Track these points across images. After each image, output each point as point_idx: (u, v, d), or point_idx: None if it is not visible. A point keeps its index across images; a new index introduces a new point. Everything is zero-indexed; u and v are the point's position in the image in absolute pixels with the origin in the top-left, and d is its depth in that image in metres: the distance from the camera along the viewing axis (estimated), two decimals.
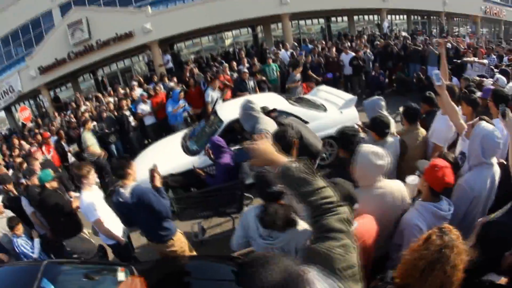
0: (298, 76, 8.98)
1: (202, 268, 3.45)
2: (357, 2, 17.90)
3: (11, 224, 4.35)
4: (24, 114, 12.19)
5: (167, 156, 5.98)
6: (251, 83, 8.80)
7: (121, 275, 3.10)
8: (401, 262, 1.72)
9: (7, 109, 19.02)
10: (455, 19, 24.36)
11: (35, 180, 4.85)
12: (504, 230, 2.03)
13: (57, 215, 4.26)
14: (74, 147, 7.93)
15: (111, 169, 3.79)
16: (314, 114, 6.23)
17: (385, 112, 3.83)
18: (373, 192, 2.47)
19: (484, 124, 2.64)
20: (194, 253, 3.96)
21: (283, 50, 12.11)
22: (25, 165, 6.08)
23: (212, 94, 8.22)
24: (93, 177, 3.85)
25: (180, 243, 3.64)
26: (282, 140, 2.81)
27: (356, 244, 1.31)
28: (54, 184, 4.45)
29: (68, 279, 3.10)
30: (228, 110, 6.24)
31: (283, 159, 1.48)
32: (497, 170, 2.66)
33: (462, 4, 22.19)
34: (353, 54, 10.51)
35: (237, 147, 5.30)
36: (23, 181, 5.54)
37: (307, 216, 1.42)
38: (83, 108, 9.96)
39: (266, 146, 1.54)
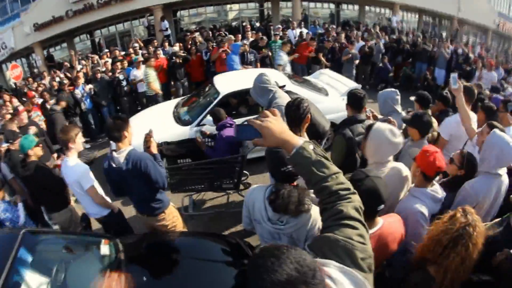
0: (285, 56, 8.53)
1: (192, 245, 3.26)
2: None
3: None
4: (15, 72, 11.64)
5: (160, 124, 5.67)
6: (251, 57, 8.49)
7: (104, 248, 2.89)
8: (426, 238, 1.86)
9: None
10: (466, 26, 23.93)
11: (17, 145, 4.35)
12: None
13: (44, 191, 3.86)
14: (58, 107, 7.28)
15: (106, 130, 3.25)
16: (315, 96, 5.87)
17: (399, 108, 3.86)
18: (384, 171, 2.47)
19: (500, 133, 2.63)
20: (185, 229, 3.76)
21: (289, 30, 11.71)
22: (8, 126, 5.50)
23: (284, 57, 8.25)
24: (80, 141, 3.54)
25: (172, 217, 3.44)
26: (296, 112, 2.65)
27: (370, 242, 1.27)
28: (39, 151, 4.00)
29: (47, 250, 2.90)
30: (226, 82, 5.99)
31: (297, 139, 1.35)
32: (505, 180, 2.67)
33: (476, 13, 22.00)
34: (363, 43, 10.33)
35: (241, 120, 4.98)
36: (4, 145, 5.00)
37: (319, 202, 1.35)
38: (78, 67, 9.55)
39: (278, 123, 1.33)
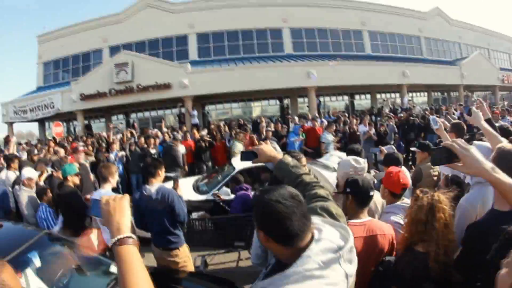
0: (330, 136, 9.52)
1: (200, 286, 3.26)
2: (379, 78, 18.98)
3: (41, 192, 4.63)
4: (57, 129, 12.98)
5: (182, 189, 6.33)
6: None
7: (114, 268, 2.85)
8: (406, 225, 2.03)
9: (41, 122, 20.47)
10: (474, 93, 25.17)
11: (60, 173, 4.93)
12: None
13: (71, 212, 4.02)
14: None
15: (143, 167, 3.84)
16: (324, 172, 6.67)
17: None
18: None
19: (478, 142, 2.77)
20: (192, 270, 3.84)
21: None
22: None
23: (328, 137, 9.36)
24: (116, 178, 3.89)
25: (185, 255, 3.64)
26: None
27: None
28: (76, 180, 4.48)
29: (58, 256, 3.00)
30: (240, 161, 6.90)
31: (280, 155, 1.99)
32: None
33: (480, 75, 23.11)
34: (367, 126, 10.79)
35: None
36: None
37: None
38: (113, 137, 10.66)
39: (268, 147, 2.03)
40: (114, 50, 19.28)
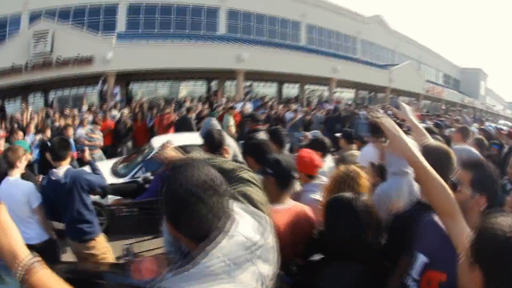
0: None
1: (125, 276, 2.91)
2: (309, 69, 19.35)
3: None
4: None
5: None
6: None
7: None
8: (326, 189, 2.18)
9: None
10: (400, 97, 26.65)
11: None
12: None
13: None
14: None
15: (51, 148, 3.38)
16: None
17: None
18: None
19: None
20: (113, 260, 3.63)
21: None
22: None
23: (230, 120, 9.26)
24: (24, 163, 3.44)
25: (102, 247, 3.44)
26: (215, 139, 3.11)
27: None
28: (29, 156, 4.16)
29: None
30: (161, 141, 6.70)
31: (184, 156, 1.87)
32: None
33: (407, 82, 25.11)
34: (294, 113, 11.20)
35: None
36: None
37: None
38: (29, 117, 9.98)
39: (170, 151, 1.92)
40: (34, 17, 16.98)
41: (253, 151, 2.79)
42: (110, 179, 5.65)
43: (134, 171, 5.96)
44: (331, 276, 1.55)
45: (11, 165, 3.27)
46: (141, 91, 19.61)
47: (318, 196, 2.44)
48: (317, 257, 1.79)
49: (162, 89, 19.97)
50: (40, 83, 15.94)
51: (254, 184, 1.44)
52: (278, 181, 2.09)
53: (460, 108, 29.20)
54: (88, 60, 15.16)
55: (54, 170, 3.27)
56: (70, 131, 7.81)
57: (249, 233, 1.08)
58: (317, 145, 3.59)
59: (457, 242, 1.31)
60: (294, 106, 12.85)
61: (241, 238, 1.04)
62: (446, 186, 1.42)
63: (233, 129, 9.15)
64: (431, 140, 2.49)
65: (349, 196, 1.68)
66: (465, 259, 1.02)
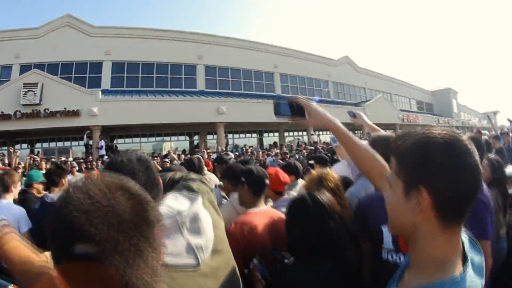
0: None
1: None
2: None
3: None
4: None
5: None
6: None
7: None
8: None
9: None
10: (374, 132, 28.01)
11: None
12: None
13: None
14: None
15: (47, 173, 3.47)
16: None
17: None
18: None
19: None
20: None
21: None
22: None
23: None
24: (19, 188, 3.51)
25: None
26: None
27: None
28: (41, 187, 4.01)
29: None
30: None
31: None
32: None
33: (381, 115, 25.62)
34: (274, 157, 11.53)
35: None
36: None
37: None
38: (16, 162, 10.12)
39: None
40: (25, 68, 17.34)
41: (225, 173, 3.11)
42: None
43: None
44: (302, 274, 1.51)
45: (6, 189, 3.29)
46: (125, 147, 19.60)
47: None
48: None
49: (146, 145, 20.22)
50: (27, 132, 16.01)
51: (198, 181, 1.41)
52: (251, 187, 2.17)
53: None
54: (75, 113, 15.43)
55: (49, 194, 3.35)
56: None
57: (174, 204, 1.08)
58: (290, 169, 3.70)
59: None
60: (275, 151, 13.37)
61: (164, 208, 1.04)
62: (371, 149, 1.38)
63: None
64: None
65: (304, 195, 1.70)
66: (396, 189, 0.85)
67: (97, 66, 19.21)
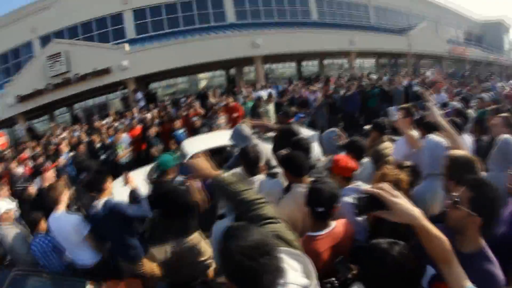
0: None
1: None
2: (327, 45, 18.82)
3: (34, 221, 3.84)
4: (0, 140, 11.84)
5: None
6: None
7: None
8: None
9: None
10: (421, 61, 25.94)
11: None
12: None
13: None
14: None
15: (87, 184, 3.40)
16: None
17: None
18: None
19: (432, 136, 2.92)
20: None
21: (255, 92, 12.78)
22: None
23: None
24: (67, 194, 3.68)
25: (149, 267, 3.41)
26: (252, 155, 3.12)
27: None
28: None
29: None
30: (192, 145, 6.44)
31: (214, 173, 1.84)
32: None
33: (427, 45, 23.92)
34: (319, 93, 10.88)
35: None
36: None
37: (240, 214, 1.69)
38: (63, 135, 10.32)
39: (203, 162, 1.89)
40: (45, 40, 17.51)
41: (287, 164, 2.86)
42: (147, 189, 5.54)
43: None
44: None
45: (55, 202, 3.50)
46: (161, 88, 19.74)
47: (351, 199, 2.37)
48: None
49: (181, 84, 19.92)
50: (63, 99, 16.43)
51: (277, 218, 1.56)
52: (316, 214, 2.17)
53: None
54: (105, 71, 15.47)
55: (94, 203, 3.31)
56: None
57: (300, 280, 1.24)
58: (353, 148, 3.44)
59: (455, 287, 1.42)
60: (317, 85, 12.47)
61: (293, 287, 1.21)
62: (441, 234, 1.43)
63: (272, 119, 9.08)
64: (458, 140, 2.72)
65: (385, 246, 1.58)
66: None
67: (117, 18, 18.58)
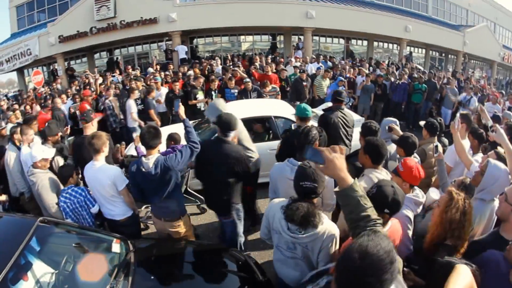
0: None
1: (202, 256, 3.33)
2: (379, 28, 18.01)
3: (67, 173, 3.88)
4: (37, 78, 12.19)
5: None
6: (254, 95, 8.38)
7: (115, 247, 2.99)
8: (433, 224, 2.29)
9: (20, 71, 19.19)
10: (472, 61, 24.69)
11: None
12: None
13: None
14: None
15: (142, 136, 3.17)
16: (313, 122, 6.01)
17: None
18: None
19: (495, 163, 2.77)
20: (194, 239, 3.83)
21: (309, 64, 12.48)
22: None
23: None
24: (109, 146, 3.67)
25: (187, 225, 3.52)
26: (305, 138, 3.07)
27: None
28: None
29: (59, 242, 2.99)
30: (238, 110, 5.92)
31: (350, 178, 1.68)
32: (497, 204, 2.67)
33: (482, 47, 22.63)
34: (365, 77, 10.28)
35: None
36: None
37: (353, 228, 1.71)
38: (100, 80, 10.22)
39: (341, 161, 1.66)
40: None
41: (370, 151, 3.00)
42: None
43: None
44: None
45: (97, 151, 3.44)
46: (203, 46, 19.55)
47: (409, 212, 2.63)
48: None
49: (224, 43, 19.52)
50: (103, 44, 16.47)
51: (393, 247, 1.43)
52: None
53: None
54: (152, 21, 15.34)
55: (143, 159, 3.20)
56: (135, 94, 7.77)
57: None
58: (406, 144, 3.47)
59: None
60: (366, 69, 12.04)
61: None
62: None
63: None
64: None
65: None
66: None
67: None
